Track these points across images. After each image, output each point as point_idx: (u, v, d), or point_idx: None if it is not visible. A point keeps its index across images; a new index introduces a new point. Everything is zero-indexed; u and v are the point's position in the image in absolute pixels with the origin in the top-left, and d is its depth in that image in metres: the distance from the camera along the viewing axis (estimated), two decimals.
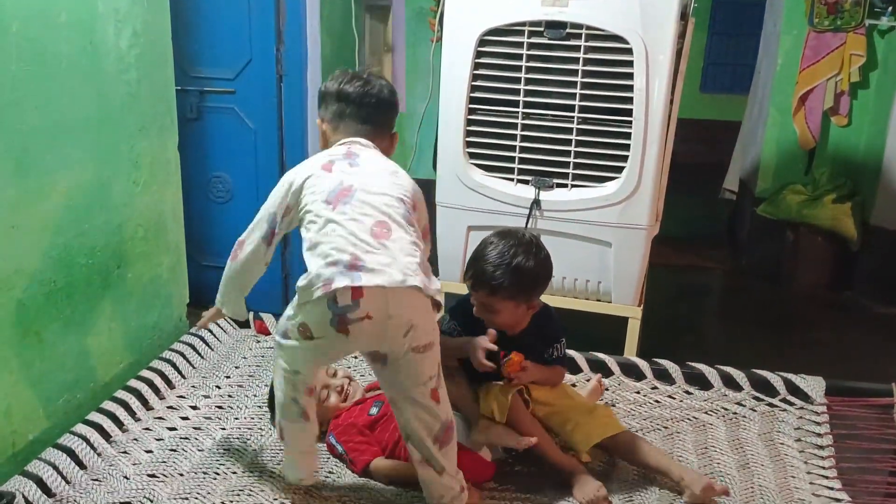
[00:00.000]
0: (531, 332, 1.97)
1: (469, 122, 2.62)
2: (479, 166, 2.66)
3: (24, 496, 1.68)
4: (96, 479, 1.82)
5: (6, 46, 1.75)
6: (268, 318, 2.61)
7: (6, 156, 1.77)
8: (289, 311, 1.64)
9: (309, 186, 1.66)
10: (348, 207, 1.59)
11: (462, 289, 2.79)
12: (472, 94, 2.60)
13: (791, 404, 2.20)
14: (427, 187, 4.44)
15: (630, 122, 2.45)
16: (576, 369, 2.36)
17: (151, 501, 1.76)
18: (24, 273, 1.86)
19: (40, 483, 1.73)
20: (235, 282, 1.89)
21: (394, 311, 1.53)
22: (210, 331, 2.48)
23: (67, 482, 1.78)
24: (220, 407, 2.16)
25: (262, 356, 2.45)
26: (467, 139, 2.64)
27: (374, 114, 1.79)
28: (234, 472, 1.88)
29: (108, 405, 2.04)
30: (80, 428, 1.93)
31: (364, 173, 1.66)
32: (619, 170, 2.51)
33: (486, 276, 1.83)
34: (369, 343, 1.59)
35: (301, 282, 1.57)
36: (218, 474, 1.87)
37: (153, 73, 2.32)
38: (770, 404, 2.21)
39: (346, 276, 1.50)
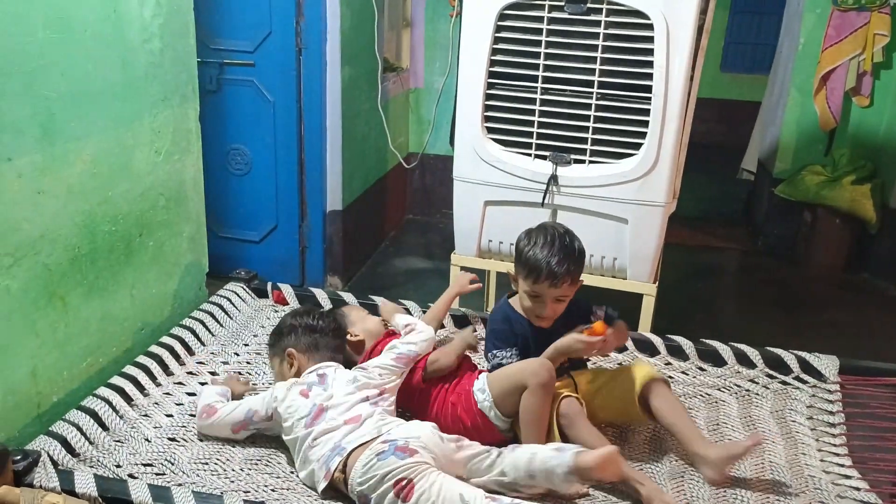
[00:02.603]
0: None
1: (487, 97, 2.63)
2: (496, 141, 2.66)
3: (49, 455, 1.72)
4: (118, 441, 1.87)
5: (33, 13, 1.77)
6: (286, 289, 2.64)
7: (33, 121, 1.80)
8: None
9: (288, 412, 1.85)
10: (322, 423, 1.80)
11: (476, 262, 2.82)
12: (490, 69, 2.60)
13: (804, 382, 2.21)
14: (443, 163, 4.45)
15: (649, 98, 2.45)
16: None
17: (172, 464, 1.80)
18: (50, 238, 1.90)
19: (65, 443, 1.77)
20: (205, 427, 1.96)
21: None
22: (229, 300, 2.51)
23: (91, 443, 1.82)
24: (238, 373, 2.20)
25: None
26: (485, 114, 2.64)
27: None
28: (252, 443, 1.92)
29: (130, 369, 2.08)
30: (103, 391, 1.97)
31: (334, 392, 1.89)
32: (637, 146, 2.51)
33: (560, 270, 1.89)
34: None
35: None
36: (237, 442, 1.91)
37: (175, 43, 2.34)
38: (783, 382, 2.21)
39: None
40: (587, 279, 2.70)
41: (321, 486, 1.72)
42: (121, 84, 2.11)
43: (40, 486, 1.63)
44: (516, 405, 1.84)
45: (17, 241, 1.79)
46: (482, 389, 1.91)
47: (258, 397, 1.93)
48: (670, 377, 2.21)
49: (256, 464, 1.83)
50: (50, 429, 1.81)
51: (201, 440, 1.90)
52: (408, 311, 2.44)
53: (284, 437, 1.86)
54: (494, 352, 2.00)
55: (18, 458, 1.65)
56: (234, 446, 1.89)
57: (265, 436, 1.93)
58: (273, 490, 1.74)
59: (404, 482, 1.59)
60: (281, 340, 2.08)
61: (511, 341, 1.99)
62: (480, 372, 2.04)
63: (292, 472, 1.82)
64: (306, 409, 1.83)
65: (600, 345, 1.92)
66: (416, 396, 2.02)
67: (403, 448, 1.66)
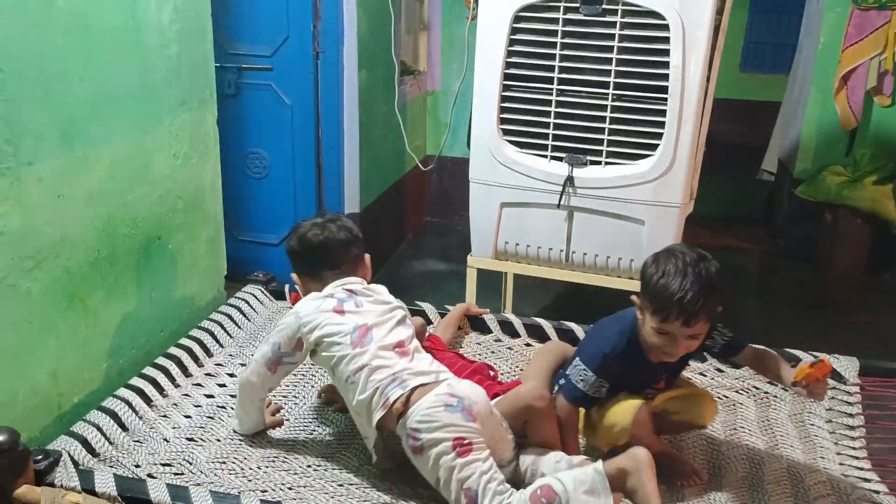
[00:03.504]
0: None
1: (503, 99, 2.63)
2: (512, 143, 2.67)
3: (69, 455, 1.74)
4: (138, 441, 1.89)
5: (53, 19, 1.80)
6: None
7: (53, 126, 1.83)
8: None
9: (326, 333, 1.78)
10: (371, 345, 1.76)
11: (493, 264, 2.82)
12: (506, 71, 2.60)
13: None
14: (461, 165, 4.45)
15: (665, 99, 2.44)
16: None
17: (191, 464, 1.82)
18: (70, 241, 1.92)
19: (85, 443, 1.80)
20: (243, 405, 1.92)
21: None
22: (247, 302, 2.53)
23: (111, 443, 1.85)
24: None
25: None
26: (501, 115, 2.65)
27: (343, 255, 1.93)
28: (269, 441, 1.93)
29: (150, 371, 2.10)
30: (123, 392, 1.99)
31: (369, 313, 1.82)
32: (654, 147, 2.50)
33: (694, 308, 1.63)
34: None
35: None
36: (254, 441, 1.92)
37: (193, 48, 2.37)
38: None
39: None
40: (604, 281, 2.71)
41: (378, 414, 1.69)
42: (139, 89, 2.14)
43: (61, 486, 1.66)
44: (523, 427, 1.81)
45: (39, 244, 1.82)
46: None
47: (277, 331, 1.84)
48: (687, 378, 2.20)
49: (273, 461, 1.85)
50: (71, 429, 1.83)
51: (219, 440, 1.92)
52: (424, 315, 2.45)
53: (320, 361, 1.81)
54: (581, 368, 1.79)
55: (40, 457, 1.68)
56: (251, 445, 1.90)
57: (281, 433, 1.94)
58: (290, 488, 1.75)
59: (465, 441, 1.61)
60: (292, 264, 1.98)
61: (611, 373, 1.78)
62: (495, 376, 2.04)
63: (309, 467, 1.83)
64: (349, 328, 1.76)
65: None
66: None
67: (469, 410, 1.65)
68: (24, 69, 1.73)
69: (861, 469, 1.85)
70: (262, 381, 1.85)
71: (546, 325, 2.42)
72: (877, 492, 1.76)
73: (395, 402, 1.67)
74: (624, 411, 1.77)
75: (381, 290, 1.93)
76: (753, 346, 1.88)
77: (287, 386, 2.16)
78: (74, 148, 1.91)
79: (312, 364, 2.28)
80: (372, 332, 1.77)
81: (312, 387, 2.16)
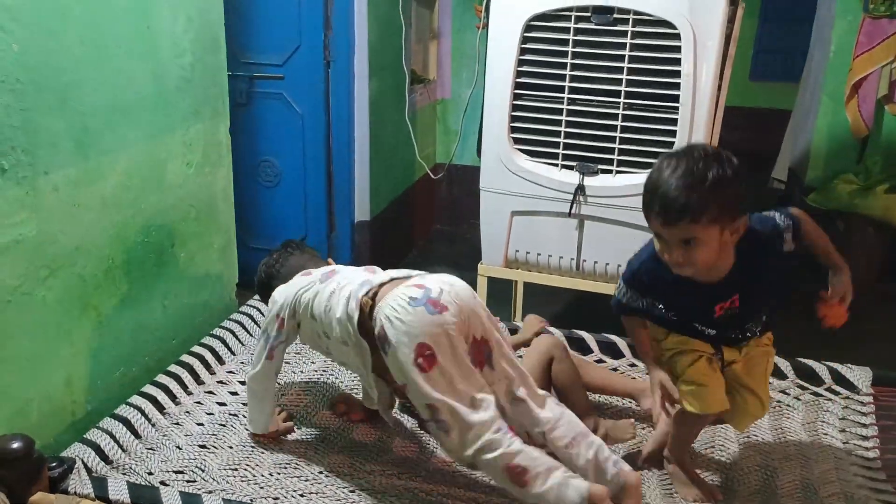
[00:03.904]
0: (745, 264, 1.59)
1: (514, 108, 2.63)
2: (523, 151, 2.67)
3: (83, 462, 1.75)
4: (150, 448, 1.90)
5: (69, 29, 1.82)
6: None
7: (68, 135, 1.85)
8: None
9: (297, 292, 1.83)
10: (338, 276, 1.82)
11: (503, 272, 2.82)
12: (517, 80, 2.61)
13: (836, 394, 2.18)
14: (470, 174, 4.46)
15: (676, 108, 2.44)
16: (618, 354, 2.36)
17: (203, 471, 1.82)
18: (85, 250, 1.94)
19: (98, 450, 1.81)
20: (254, 399, 1.94)
21: None
22: (258, 310, 2.54)
23: (124, 450, 1.86)
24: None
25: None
26: (512, 124, 2.65)
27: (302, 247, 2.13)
28: (281, 448, 1.94)
29: (162, 379, 2.11)
30: (136, 399, 2.00)
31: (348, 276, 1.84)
32: None
33: (678, 203, 1.44)
34: None
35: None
36: (266, 448, 1.93)
37: (206, 58, 2.38)
38: (815, 393, 2.19)
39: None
40: (615, 290, 2.70)
41: (356, 315, 1.68)
42: (153, 98, 2.16)
43: (75, 493, 1.67)
44: (542, 384, 1.91)
45: (54, 252, 1.83)
46: None
47: (263, 324, 1.90)
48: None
49: (286, 468, 1.85)
50: (84, 436, 1.85)
51: (231, 447, 1.92)
52: None
53: (304, 324, 1.83)
54: (620, 281, 1.74)
55: (54, 464, 1.69)
56: (263, 452, 1.91)
57: (292, 441, 1.95)
58: (302, 495, 1.75)
59: (427, 351, 1.56)
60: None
61: (645, 285, 1.69)
62: None
63: (321, 473, 1.83)
64: (316, 277, 1.83)
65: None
66: None
67: (435, 302, 1.59)
68: (41, 79, 1.75)
69: (875, 480, 1.84)
70: (266, 372, 1.88)
71: (618, 340, 2.41)
72: (891, 503, 1.75)
73: (363, 296, 1.68)
74: (713, 393, 1.70)
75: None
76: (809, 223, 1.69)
77: (298, 394, 2.16)
78: (89, 157, 1.92)
79: (323, 371, 2.29)
80: (340, 270, 1.85)
81: (324, 395, 2.17)
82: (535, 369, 1.97)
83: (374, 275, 1.78)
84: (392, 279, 1.72)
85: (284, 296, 1.84)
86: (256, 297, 2.61)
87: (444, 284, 1.66)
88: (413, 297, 1.61)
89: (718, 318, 1.67)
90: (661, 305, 1.73)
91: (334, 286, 1.76)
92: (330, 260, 2.06)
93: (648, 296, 1.71)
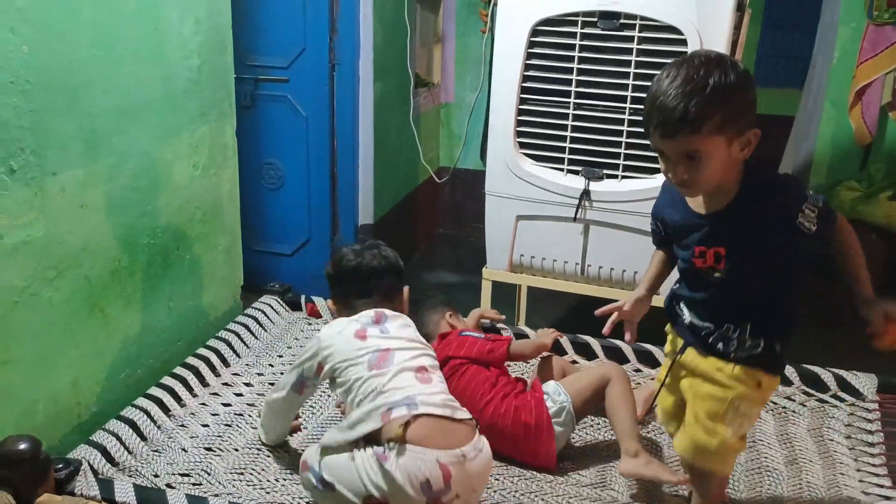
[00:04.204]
0: (748, 201, 1.44)
1: (520, 112, 2.64)
2: (529, 156, 2.67)
3: (89, 464, 1.75)
4: (156, 451, 1.89)
5: (78, 31, 1.82)
6: (319, 301, 2.67)
7: (77, 137, 1.85)
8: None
9: (344, 357, 1.69)
10: (392, 366, 1.66)
11: (508, 276, 2.82)
12: (523, 84, 2.61)
13: (842, 400, 2.17)
14: (474, 178, 4.46)
15: None
16: (623, 359, 2.36)
17: (209, 474, 1.82)
18: (91, 251, 1.94)
19: (104, 452, 1.81)
20: (271, 420, 1.92)
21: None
22: (263, 312, 2.54)
23: (129, 452, 1.85)
24: (272, 384, 2.21)
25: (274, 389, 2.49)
26: (518, 129, 2.65)
27: (375, 284, 1.87)
28: (287, 452, 1.94)
29: (168, 381, 2.11)
30: (141, 401, 2.00)
31: (395, 339, 1.73)
32: None
33: (677, 112, 1.32)
34: None
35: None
36: (272, 451, 1.93)
37: (214, 60, 2.38)
38: (820, 400, 2.18)
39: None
40: (622, 295, 2.69)
41: (368, 426, 1.56)
42: (161, 100, 2.16)
43: (81, 495, 1.66)
44: (590, 405, 1.97)
45: (61, 253, 1.83)
46: (557, 392, 1.94)
47: (300, 356, 1.79)
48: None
49: (291, 474, 1.85)
50: (90, 438, 1.84)
51: (237, 449, 1.92)
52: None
53: (338, 387, 1.71)
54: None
55: (60, 466, 1.69)
56: (269, 456, 1.91)
57: (299, 444, 1.94)
58: (308, 502, 1.75)
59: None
60: (329, 289, 1.94)
61: (661, 209, 1.62)
62: (521, 389, 2.03)
63: None
64: (368, 350, 1.67)
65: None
66: (466, 396, 1.92)
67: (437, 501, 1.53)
68: (50, 81, 1.75)
69: (881, 487, 1.84)
70: (290, 402, 1.84)
71: (623, 345, 2.39)
72: None
73: (395, 419, 1.54)
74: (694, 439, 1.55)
75: (411, 324, 1.85)
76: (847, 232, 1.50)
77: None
78: (97, 158, 1.92)
79: None
80: (394, 354, 1.67)
81: (329, 396, 2.17)
82: (586, 389, 1.95)
83: (428, 387, 1.63)
84: (428, 415, 1.57)
85: (330, 342, 1.72)
86: (262, 299, 2.61)
87: (465, 478, 1.55)
88: (423, 482, 1.51)
89: (698, 271, 1.50)
90: (661, 230, 1.65)
91: (381, 382, 1.61)
92: (386, 315, 1.81)
93: (660, 220, 1.63)
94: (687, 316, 1.60)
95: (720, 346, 1.54)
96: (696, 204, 1.49)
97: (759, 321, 1.51)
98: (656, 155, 2.44)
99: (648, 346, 2.36)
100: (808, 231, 1.40)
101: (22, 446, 1.59)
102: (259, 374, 2.27)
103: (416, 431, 1.54)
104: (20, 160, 1.68)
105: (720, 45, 2.37)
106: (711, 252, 1.48)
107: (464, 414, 1.63)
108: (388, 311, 1.81)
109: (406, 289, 1.96)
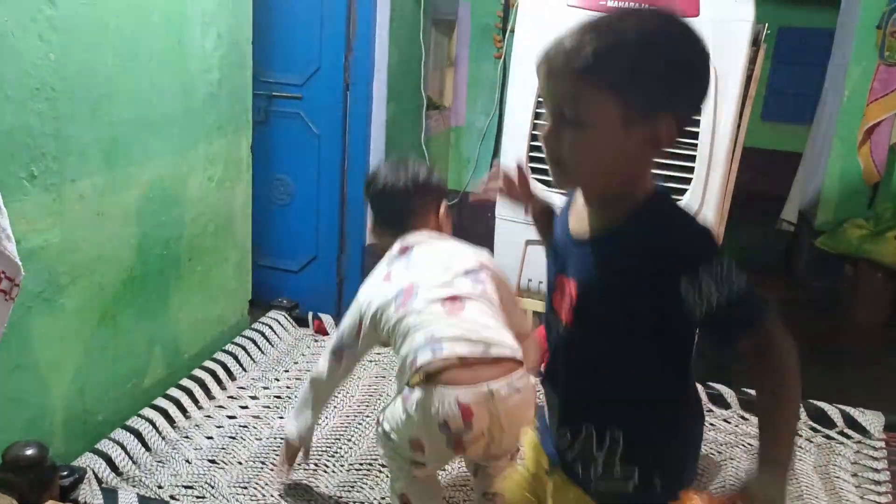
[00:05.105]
0: (636, 233, 0.99)
1: (533, 137, 2.65)
2: (541, 181, 2.67)
3: (94, 472, 1.75)
4: (160, 461, 1.89)
5: (103, 42, 1.84)
6: (326, 319, 2.67)
7: (97, 146, 1.86)
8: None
9: (376, 308, 1.61)
10: (416, 301, 1.55)
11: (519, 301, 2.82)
12: (537, 109, 2.62)
13: (848, 437, 2.17)
14: (483, 201, 4.45)
15: (695, 145, 2.45)
16: None
17: (212, 487, 1.82)
18: (106, 259, 1.94)
19: (109, 461, 1.81)
20: (305, 399, 1.80)
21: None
22: (271, 327, 2.54)
23: (134, 462, 1.85)
24: (278, 397, 2.21)
25: (320, 355, 2.50)
26: (530, 153, 2.67)
27: (407, 207, 1.73)
28: (290, 465, 1.93)
29: (174, 392, 2.11)
30: (147, 412, 2.00)
31: (420, 267, 1.62)
32: (682, 192, 2.51)
33: (574, 42, 0.94)
34: None
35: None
36: (275, 465, 1.92)
37: (233, 75, 2.41)
38: (827, 436, 2.18)
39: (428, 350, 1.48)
40: None
41: (405, 376, 1.49)
42: (180, 112, 2.17)
43: (85, 503, 1.65)
44: None
45: (76, 260, 1.84)
46: None
47: (343, 319, 1.69)
48: (711, 424, 2.19)
49: (295, 488, 1.84)
50: (95, 446, 1.84)
51: (240, 462, 1.91)
52: None
53: (384, 340, 1.62)
54: None
55: (65, 473, 1.69)
56: (272, 469, 1.90)
57: (301, 459, 1.93)
58: None
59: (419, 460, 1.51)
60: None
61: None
62: None
63: (331, 498, 1.82)
64: (393, 293, 1.57)
65: None
66: None
67: (459, 440, 1.44)
68: (74, 89, 1.76)
69: None
70: (330, 371, 1.71)
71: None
72: None
73: (420, 367, 1.46)
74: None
75: (447, 243, 1.69)
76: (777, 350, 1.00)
77: None
78: (116, 167, 1.94)
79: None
80: (418, 289, 1.55)
81: (335, 407, 2.16)
82: None
83: (455, 318, 1.51)
84: (460, 358, 1.46)
85: (365, 296, 1.65)
86: (269, 314, 2.61)
87: (494, 416, 1.44)
88: (441, 423, 1.44)
89: (553, 316, 1.11)
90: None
91: (409, 322, 1.52)
92: (414, 242, 1.68)
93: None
94: (546, 409, 1.15)
95: (578, 467, 1.06)
96: (578, 224, 1.08)
97: (630, 428, 1.02)
98: (667, 185, 2.46)
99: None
100: (696, 304, 0.92)
101: (29, 452, 1.59)
102: (265, 388, 2.27)
103: (443, 380, 1.45)
104: (41, 166, 1.69)
105: (735, 78, 2.39)
106: (569, 287, 1.05)
107: (501, 349, 1.49)
108: (417, 236, 1.68)
109: (444, 206, 1.78)
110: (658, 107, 0.94)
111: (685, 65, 0.97)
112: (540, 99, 1.06)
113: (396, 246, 1.68)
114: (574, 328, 1.05)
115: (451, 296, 1.54)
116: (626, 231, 0.99)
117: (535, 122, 2.64)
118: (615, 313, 1.01)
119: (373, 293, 1.63)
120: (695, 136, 2.45)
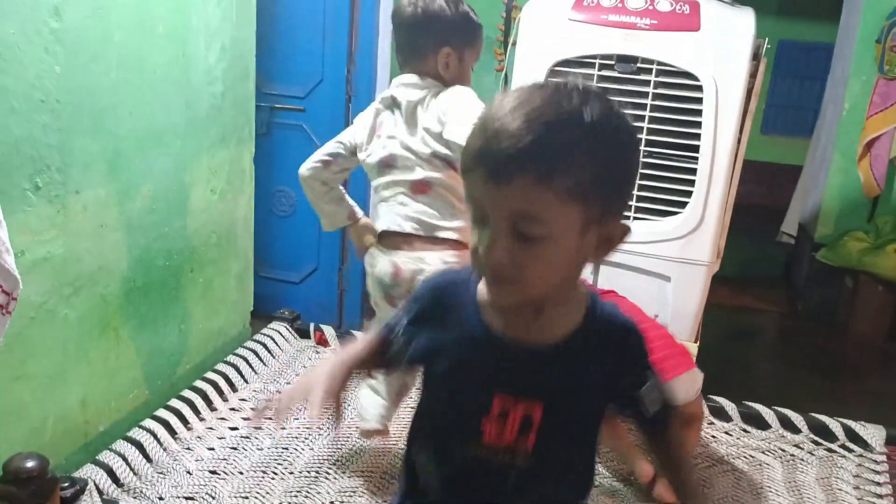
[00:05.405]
0: (590, 342, 0.90)
1: None
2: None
3: (95, 484, 1.74)
4: (161, 473, 1.89)
5: (108, 54, 1.85)
6: (328, 331, 2.67)
7: (100, 157, 1.87)
8: None
9: (363, 149, 1.78)
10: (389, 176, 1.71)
11: None
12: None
13: (850, 451, 2.17)
14: None
15: (696, 157, 2.46)
16: None
17: (213, 498, 1.81)
18: (108, 270, 1.95)
19: (110, 473, 1.81)
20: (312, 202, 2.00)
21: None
22: (272, 338, 2.54)
23: (135, 473, 1.85)
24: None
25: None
26: None
27: (406, 39, 1.68)
28: (292, 473, 1.93)
29: (175, 403, 2.11)
30: (149, 423, 2.00)
31: (404, 139, 1.70)
32: (683, 205, 2.51)
33: (523, 140, 0.77)
34: None
35: None
36: (276, 474, 1.92)
37: (236, 87, 2.42)
38: (829, 449, 2.18)
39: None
40: None
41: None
42: (183, 124, 2.18)
43: None
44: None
45: (78, 271, 1.84)
46: None
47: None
48: (713, 437, 2.19)
49: (296, 496, 1.84)
50: (97, 458, 1.84)
51: (241, 472, 1.91)
52: None
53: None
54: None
55: (66, 485, 1.68)
56: (273, 478, 1.90)
57: (304, 467, 1.93)
58: None
59: None
60: None
61: (425, 305, 0.94)
62: None
63: (332, 503, 1.82)
64: (376, 157, 1.72)
65: None
66: None
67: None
68: (79, 101, 1.77)
69: None
70: (310, 170, 1.89)
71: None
72: None
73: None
74: None
75: (436, 103, 1.64)
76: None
77: (310, 423, 2.15)
78: (119, 179, 1.94)
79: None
80: (397, 160, 1.69)
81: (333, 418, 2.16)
82: None
83: (412, 205, 1.70)
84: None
85: (358, 128, 1.83)
86: (271, 325, 2.61)
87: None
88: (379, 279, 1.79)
89: (482, 464, 0.88)
90: (424, 357, 0.93)
91: (379, 197, 1.77)
92: (402, 98, 1.69)
93: (424, 327, 0.93)
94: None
95: None
96: (515, 329, 0.88)
97: None
98: (668, 198, 2.46)
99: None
100: (644, 412, 0.92)
101: (30, 464, 1.59)
102: (267, 400, 2.27)
103: (387, 238, 1.74)
104: (45, 177, 1.70)
105: (736, 92, 2.40)
106: (520, 412, 0.87)
107: (446, 233, 1.68)
108: (405, 89, 1.68)
109: (445, 50, 1.63)
110: (617, 211, 0.86)
111: (635, 155, 0.93)
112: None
113: (388, 93, 1.72)
114: (533, 460, 0.87)
115: (419, 180, 1.67)
116: (587, 337, 0.89)
117: None
118: (584, 428, 0.92)
119: (362, 133, 1.79)
120: (695, 149, 2.46)
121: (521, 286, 0.82)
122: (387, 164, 1.69)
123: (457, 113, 1.56)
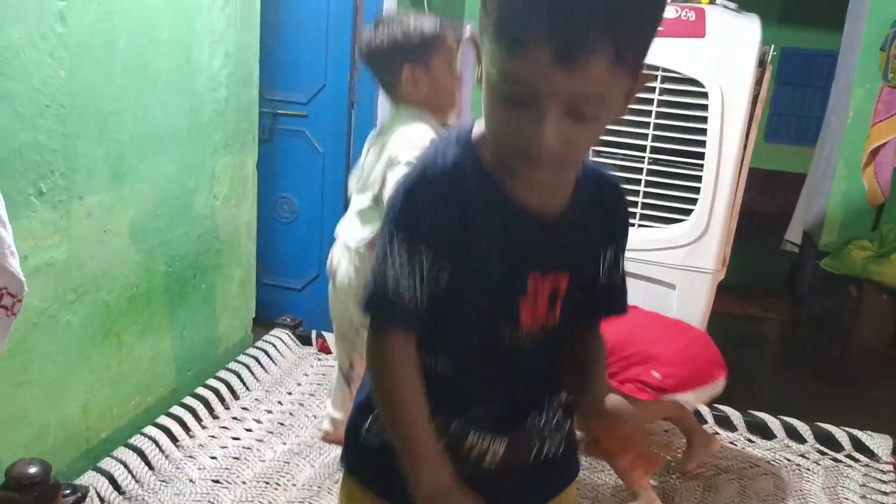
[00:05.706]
0: (586, 201, 0.89)
1: None
2: None
3: (96, 491, 1.73)
4: (163, 481, 1.87)
5: (113, 60, 1.85)
6: (329, 337, 2.66)
7: (105, 162, 1.86)
8: None
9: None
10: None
11: None
12: None
13: (856, 460, 2.15)
14: None
15: (702, 165, 2.45)
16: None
17: None
18: (111, 276, 1.94)
19: (112, 480, 1.79)
20: None
21: None
22: (274, 346, 2.53)
23: (137, 481, 1.84)
24: (281, 423, 2.20)
25: (323, 374, 2.50)
26: None
27: (374, 74, 1.72)
28: (294, 485, 1.92)
29: (177, 410, 2.10)
30: (150, 430, 1.99)
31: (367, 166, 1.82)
32: (688, 212, 2.51)
33: (596, 9, 0.70)
34: None
35: None
36: (279, 485, 1.90)
37: (240, 93, 2.42)
38: (834, 459, 2.16)
39: None
40: None
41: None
42: (187, 130, 2.18)
43: None
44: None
45: (81, 277, 1.83)
46: None
47: None
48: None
49: None
50: (98, 465, 1.83)
51: (244, 482, 1.90)
52: None
53: None
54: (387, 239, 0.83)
55: (67, 492, 1.67)
56: (276, 489, 1.88)
57: (306, 480, 1.92)
58: None
59: None
60: None
61: (440, 228, 0.82)
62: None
63: None
64: (357, 170, 1.89)
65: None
66: None
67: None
68: (83, 106, 1.77)
69: None
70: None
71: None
72: None
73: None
74: None
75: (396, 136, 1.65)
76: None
77: (313, 437, 2.14)
78: (123, 184, 1.94)
79: None
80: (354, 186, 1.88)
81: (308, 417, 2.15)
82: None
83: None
84: None
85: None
86: (273, 332, 2.60)
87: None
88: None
89: (522, 333, 0.87)
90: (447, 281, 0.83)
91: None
92: (401, 100, 1.72)
93: (443, 253, 0.82)
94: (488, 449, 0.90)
95: (542, 418, 0.93)
96: (522, 198, 0.84)
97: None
98: (674, 206, 2.45)
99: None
100: (616, 279, 0.95)
101: (32, 470, 1.58)
102: (268, 412, 2.26)
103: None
104: (49, 183, 1.69)
105: (742, 99, 2.40)
106: (547, 288, 0.87)
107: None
108: (388, 117, 1.78)
109: (407, 68, 1.59)
110: (642, 63, 0.79)
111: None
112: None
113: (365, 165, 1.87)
114: (554, 327, 0.89)
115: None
116: (583, 197, 0.88)
117: None
118: (584, 291, 0.92)
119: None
120: (700, 156, 2.45)
121: (568, 164, 0.82)
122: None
123: (394, 172, 1.61)
